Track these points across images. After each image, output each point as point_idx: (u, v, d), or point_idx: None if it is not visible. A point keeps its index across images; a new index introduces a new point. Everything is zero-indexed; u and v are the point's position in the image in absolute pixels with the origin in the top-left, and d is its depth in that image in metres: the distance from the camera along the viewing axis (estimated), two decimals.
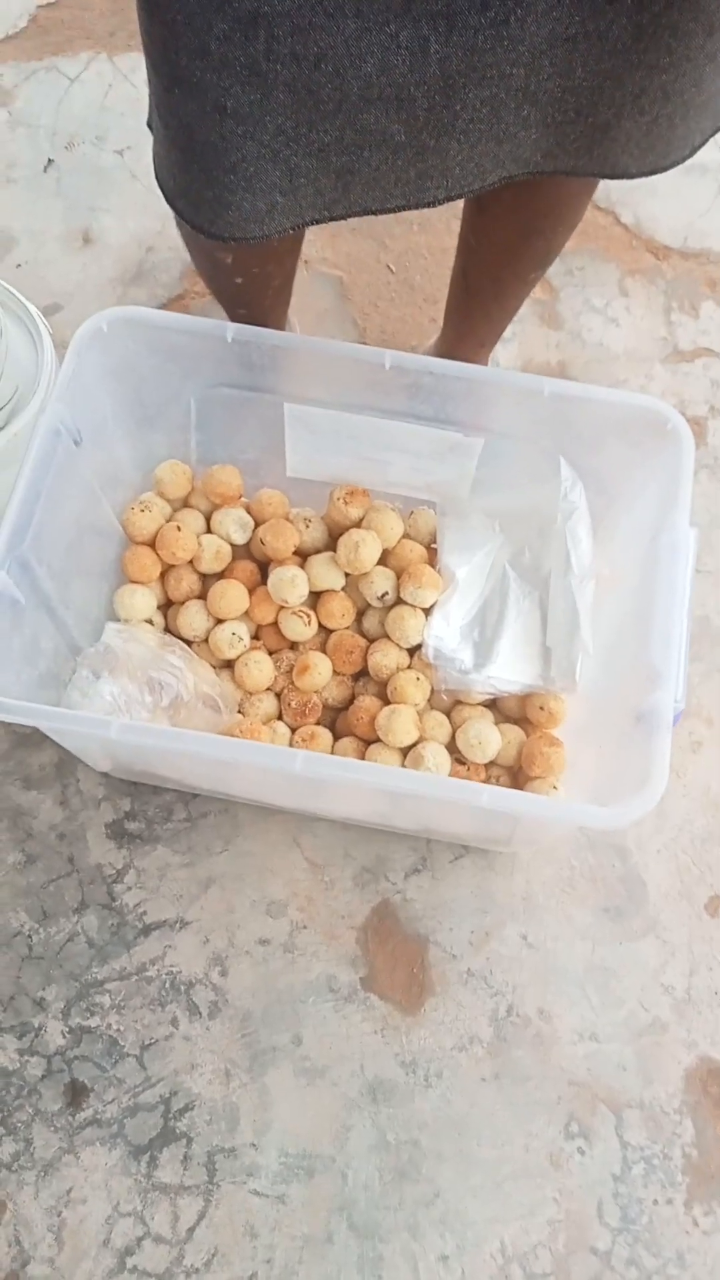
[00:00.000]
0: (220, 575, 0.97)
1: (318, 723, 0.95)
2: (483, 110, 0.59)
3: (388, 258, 1.28)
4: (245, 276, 0.83)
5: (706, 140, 0.67)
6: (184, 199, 0.68)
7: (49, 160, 1.31)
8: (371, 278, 1.27)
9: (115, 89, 1.36)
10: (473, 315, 0.99)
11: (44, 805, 1.00)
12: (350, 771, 0.69)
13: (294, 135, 0.59)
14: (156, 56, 0.59)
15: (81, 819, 0.99)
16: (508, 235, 0.84)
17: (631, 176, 0.65)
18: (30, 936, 0.95)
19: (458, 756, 0.91)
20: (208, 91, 0.57)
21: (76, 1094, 0.90)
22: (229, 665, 0.95)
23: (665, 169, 0.66)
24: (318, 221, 0.68)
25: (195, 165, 0.64)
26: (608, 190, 1.32)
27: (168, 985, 0.94)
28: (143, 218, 1.28)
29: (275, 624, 0.96)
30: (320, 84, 0.55)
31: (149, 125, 0.69)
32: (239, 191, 0.64)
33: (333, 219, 0.68)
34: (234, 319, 0.95)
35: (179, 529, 0.94)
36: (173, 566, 0.96)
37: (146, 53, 0.61)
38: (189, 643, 0.97)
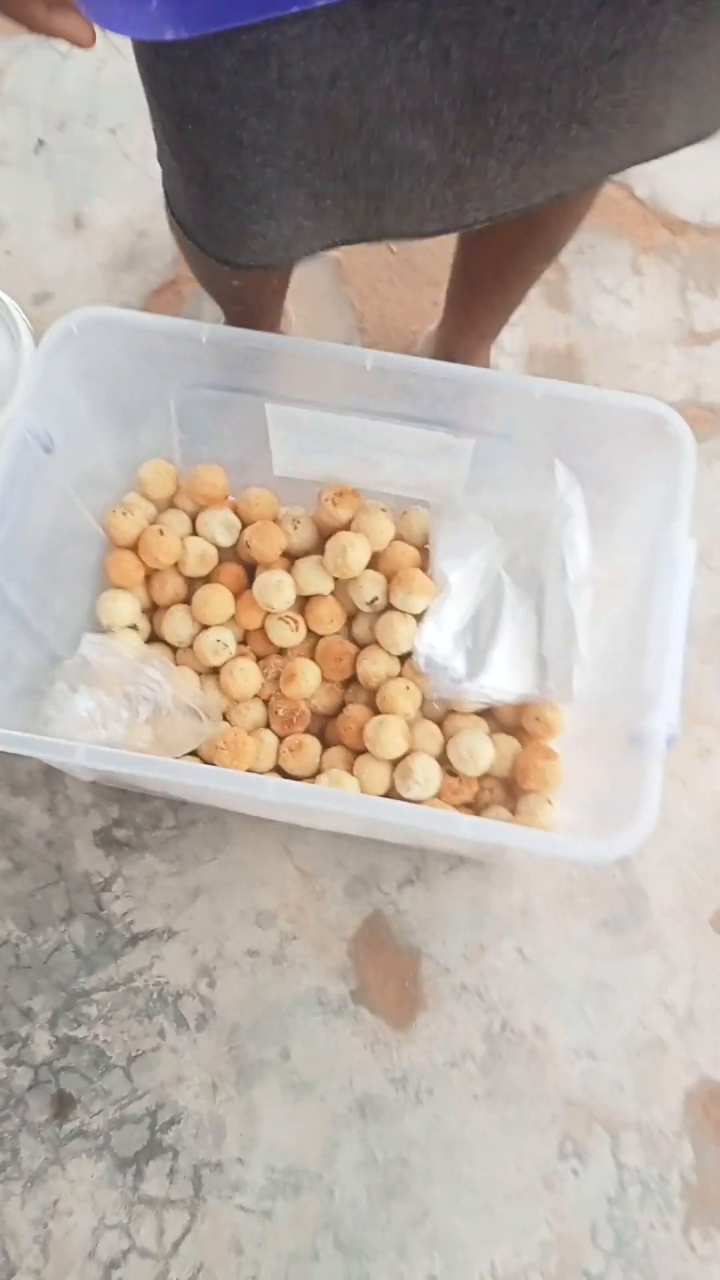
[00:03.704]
0: (206, 579, 0.94)
1: (306, 730, 0.92)
2: (521, 127, 0.55)
3: None
4: (243, 279, 0.80)
5: None
6: (205, 232, 0.66)
7: (39, 141, 1.27)
8: (371, 259, 1.21)
9: (109, 64, 1.31)
10: (474, 307, 0.95)
11: (31, 812, 0.98)
12: (324, 800, 0.66)
13: (315, 159, 0.56)
14: (165, 95, 0.57)
15: (69, 826, 0.98)
16: (511, 229, 0.79)
17: (676, 149, 0.61)
18: (18, 945, 0.94)
19: (449, 768, 0.88)
20: (222, 126, 0.55)
21: (63, 1105, 0.90)
22: (215, 672, 0.93)
23: (710, 135, 0.61)
24: (349, 243, 0.65)
25: (215, 198, 0.62)
26: None
27: (155, 996, 0.93)
28: (135, 200, 1.24)
29: (262, 629, 0.93)
30: (338, 103, 0.52)
31: (159, 160, 0.66)
32: (262, 220, 0.62)
33: (364, 240, 0.65)
34: (229, 315, 0.91)
35: (161, 532, 0.91)
36: (156, 570, 0.93)
37: (152, 92, 0.58)
38: (174, 649, 0.94)
